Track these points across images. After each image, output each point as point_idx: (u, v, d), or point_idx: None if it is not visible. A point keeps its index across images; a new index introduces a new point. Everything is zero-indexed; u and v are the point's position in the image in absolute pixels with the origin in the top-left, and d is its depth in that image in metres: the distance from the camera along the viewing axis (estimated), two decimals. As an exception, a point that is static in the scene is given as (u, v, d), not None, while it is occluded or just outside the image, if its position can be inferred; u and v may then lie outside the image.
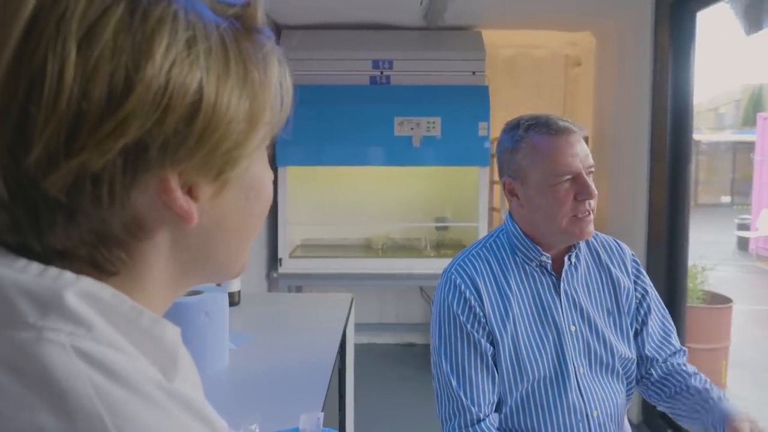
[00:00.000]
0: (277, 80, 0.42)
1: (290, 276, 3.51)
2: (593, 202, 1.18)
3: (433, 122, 3.41)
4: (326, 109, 3.41)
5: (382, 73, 3.50)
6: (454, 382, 1.20)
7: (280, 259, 3.50)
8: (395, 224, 3.95)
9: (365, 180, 3.88)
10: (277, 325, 1.79)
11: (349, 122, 3.41)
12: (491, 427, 1.19)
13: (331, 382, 1.40)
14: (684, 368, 1.28)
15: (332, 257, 3.64)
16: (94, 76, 0.33)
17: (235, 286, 1.93)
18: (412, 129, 3.40)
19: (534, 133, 1.19)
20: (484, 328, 1.21)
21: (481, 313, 1.21)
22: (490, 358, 1.21)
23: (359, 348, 4.14)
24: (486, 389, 1.20)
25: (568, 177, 1.16)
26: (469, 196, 3.63)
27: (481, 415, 1.19)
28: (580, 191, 1.16)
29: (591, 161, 1.19)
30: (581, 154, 1.17)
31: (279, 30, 3.65)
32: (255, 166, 0.43)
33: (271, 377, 1.37)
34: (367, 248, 3.88)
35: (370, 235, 3.93)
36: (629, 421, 3.02)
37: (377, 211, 3.94)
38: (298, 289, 3.79)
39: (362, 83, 3.49)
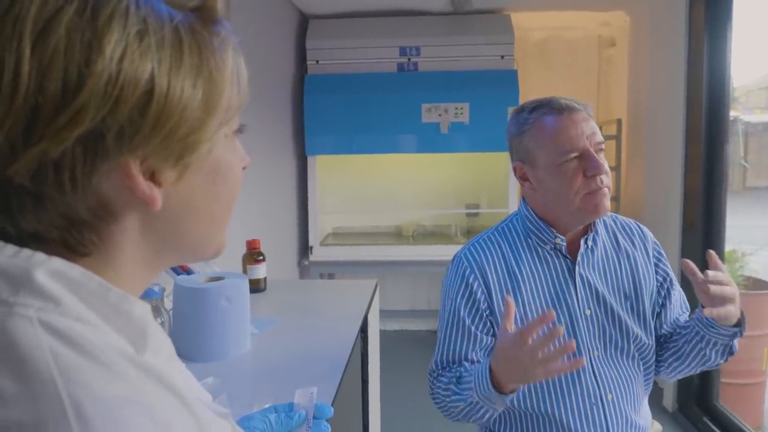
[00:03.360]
0: (233, 67, 0.44)
1: (321, 264, 3.56)
2: (605, 178, 1.17)
3: (461, 108, 3.38)
4: (354, 98, 3.43)
5: (409, 59, 3.49)
6: (438, 355, 1.28)
7: (311, 247, 3.55)
8: (425, 211, 3.95)
9: (395, 167, 3.89)
10: (301, 311, 1.82)
11: (377, 110, 3.42)
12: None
13: (350, 366, 1.42)
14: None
15: (363, 245, 3.67)
16: (49, 71, 0.36)
17: (261, 272, 1.97)
18: (440, 115, 3.39)
19: (538, 115, 1.20)
20: (485, 323, 1.24)
21: (485, 300, 1.23)
22: (486, 344, 1.25)
23: (391, 334, 4.18)
24: (469, 357, 1.25)
25: (575, 155, 1.16)
26: (499, 182, 3.60)
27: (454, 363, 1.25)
28: (588, 167, 1.15)
29: (599, 138, 1.18)
30: (587, 131, 1.17)
31: (306, 20, 3.67)
32: (219, 151, 0.45)
33: (291, 361, 1.40)
34: (398, 235, 3.90)
35: (401, 222, 3.94)
36: (664, 409, 2.96)
37: (407, 199, 3.95)
38: (330, 277, 3.84)
39: (390, 71, 3.50)
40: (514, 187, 3.51)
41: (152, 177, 0.41)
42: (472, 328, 1.23)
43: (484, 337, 1.23)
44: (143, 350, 0.42)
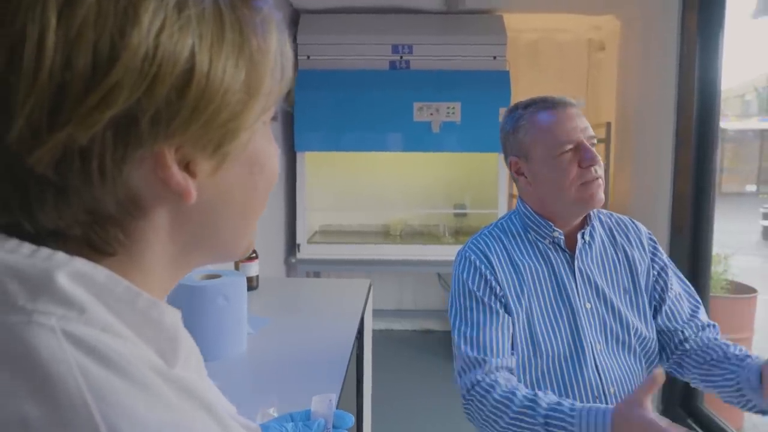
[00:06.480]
0: (277, 48, 0.40)
1: (308, 262, 3.52)
2: (599, 169, 1.20)
3: (453, 108, 3.37)
4: (345, 95, 3.39)
5: (401, 57, 3.46)
6: (466, 347, 1.20)
7: (299, 245, 3.51)
8: (414, 210, 3.93)
9: (384, 166, 3.86)
10: (296, 310, 1.80)
11: (368, 107, 3.39)
12: (501, 381, 1.15)
13: (348, 368, 1.40)
14: (722, 341, 1.26)
15: (350, 243, 3.63)
16: (77, 43, 0.31)
17: (253, 270, 1.93)
18: (431, 114, 3.37)
19: (533, 110, 1.23)
20: (501, 300, 1.22)
21: (497, 285, 1.23)
22: (507, 322, 1.21)
23: (377, 334, 4.13)
24: (502, 345, 1.20)
25: (570, 147, 1.19)
26: (489, 182, 3.60)
27: (496, 365, 1.18)
28: (584, 158, 1.19)
29: (591, 133, 1.22)
30: (581, 125, 1.21)
31: (297, 14, 3.62)
32: (257, 138, 0.41)
33: (290, 362, 1.37)
34: (386, 234, 3.87)
35: (389, 221, 3.92)
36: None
37: (396, 197, 3.92)
38: (317, 275, 3.80)
39: (382, 68, 3.46)
40: (503, 187, 3.51)
41: (187, 167, 0.37)
42: (491, 303, 1.21)
43: (502, 311, 1.21)
44: (174, 363, 0.37)
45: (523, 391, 1.13)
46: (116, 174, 0.34)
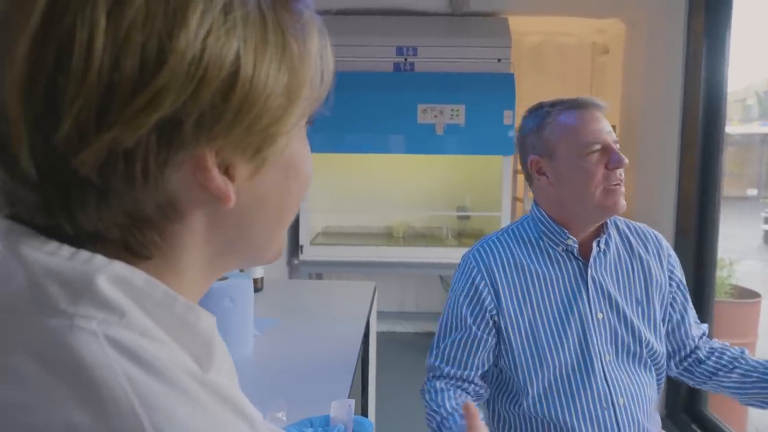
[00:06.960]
0: (318, 52, 0.40)
1: (311, 263, 3.51)
2: (623, 173, 1.19)
3: (457, 110, 3.36)
4: (349, 96, 3.38)
5: (406, 59, 3.45)
6: (431, 356, 1.29)
7: (301, 246, 3.50)
8: (417, 213, 3.92)
9: (387, 168, 3.85)
10: (301, 312, 1.79)
11: (372, 109, 3.38)
12: (437, 386, 1.23)
13: (355, 370, 1.39)
14: (733, 348, 1.29)
15: (353, 245, 3.63)
16: (126, 45, 0.31)
17: (258, 272, 1.92)
18: (435, 117, 3.36)
19: (560, 108, 1.21)
20: (488, 315, 1.23)
21: (492, 300, 1.22)
22: (486, 341, 1.23)
23: (379, 336, 4.11)
24: (464, 358, 1.24)
25: (598, 147, 1.17)
26: (492, 185, 3.59)
27: (447, 373, 1.25)
28: (611, 159, 1.16)
29: (615, 137, 1.21)
30: (606, 128, 1.19)
31: (302, 15, 3.62)
32: (293, 143, 0.41)
33: (297, 364, 1.36)
34: (388, 236, 3.87)
35: (392, 223, 3.91)
36: (653, 415, 2.97)
37: (399, 200, 3.91)
38: (319, 277, 3.79)
39: (386, 70, 3.45)
40: (507, 190, 3.50)
41: (226, 171, 0.37)
42: (473, 326, 1.22)
43: (485, 335, 1.22)
44: (208, 368, 0.37)
45: (440, 399, 1.20)
46: (159, 177, 0.34)
